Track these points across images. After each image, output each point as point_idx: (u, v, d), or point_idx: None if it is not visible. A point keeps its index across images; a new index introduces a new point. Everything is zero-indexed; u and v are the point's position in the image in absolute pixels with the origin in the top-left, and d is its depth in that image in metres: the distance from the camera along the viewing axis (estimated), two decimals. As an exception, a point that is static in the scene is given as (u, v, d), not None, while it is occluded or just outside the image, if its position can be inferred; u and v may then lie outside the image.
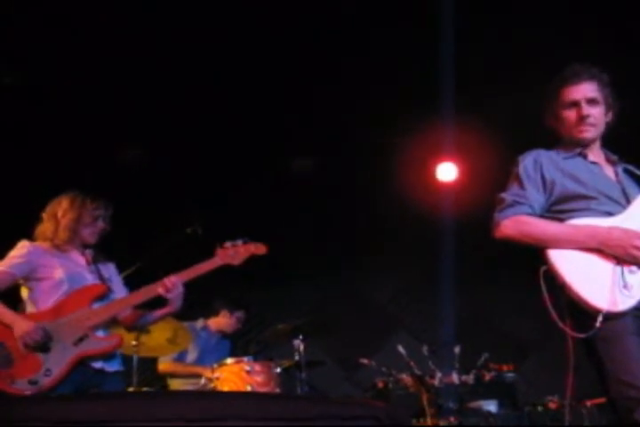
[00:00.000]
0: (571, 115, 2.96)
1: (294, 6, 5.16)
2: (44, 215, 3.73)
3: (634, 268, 2.69)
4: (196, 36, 5.31)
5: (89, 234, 3.70)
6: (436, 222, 6.73)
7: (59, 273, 3.57)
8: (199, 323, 5.87)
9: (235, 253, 3.70)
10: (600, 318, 2.58)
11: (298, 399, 2.19)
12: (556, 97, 2.99)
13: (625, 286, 2.65)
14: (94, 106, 5.78)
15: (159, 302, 3.69)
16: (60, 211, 3.69)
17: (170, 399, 1.83)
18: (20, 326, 3.40)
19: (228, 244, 3.72)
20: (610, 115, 3.03)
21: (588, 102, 2.94)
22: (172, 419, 1.73)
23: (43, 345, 3.38)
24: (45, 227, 3.70)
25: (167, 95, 5.77)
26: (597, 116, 2.97)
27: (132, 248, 4.66)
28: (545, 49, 5.27)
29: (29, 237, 3.71)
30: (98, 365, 3.51)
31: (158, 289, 3.56)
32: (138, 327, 3.96)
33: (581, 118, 2.94)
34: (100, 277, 3.68)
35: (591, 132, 2.98)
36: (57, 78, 5.57)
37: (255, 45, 5.48)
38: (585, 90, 2.95)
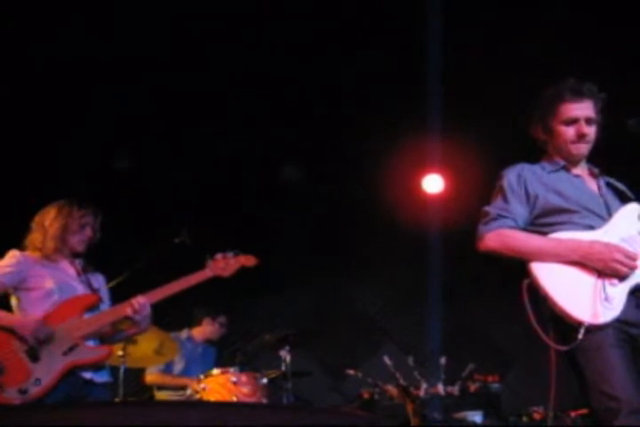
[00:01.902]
0: (568, 131, 3.00)
1: (283, 19, 5.22)
2: (33, 225, 3.72)
3: (615, 281, 2.73)
4: (187, 44, 5.35)
5: (77, 242, 3.69)
6: (423, 234, 6.76)
7: (49, 283, 3.56)
8: (184, 333, 5.88)
9: (225, 264, 3.73)
10: (582, 331, 2.62)
11: (280, 409, 2.20)
12: (553, 111, 3.01)
13: (606, 299, 2.68)
14: (85, 114, 5.79)
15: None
16: (48, 220, 3.68)
17: (156, 409, 1.84)
18: (23, 323, 3.40)
19: (219, 256, 3.73)
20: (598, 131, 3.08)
21: (587, 121, 2.99)
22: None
23: (36, 347, 3.37)
24: (34, 237, 3.69)
25: (158, 104, 5.79)
26: (592, 135, 3.03)
27: (120, 258, 4.66)
28: (532, 62, 5.33)
29: (20, 246, 3.70)
30: (87, 375, 3.50)
31: (126, 310, 3.53)
32: (108, 342, 3.82)
33: (581, 136, 2.99)
34: (91, 288, 3.67)
35: (585, 149, 3.04)
36: (47, 84, 5.58)
37: (246, 55, 5.53)
38: (586, 109, 2.99)
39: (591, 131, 3.01)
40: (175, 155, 6.36)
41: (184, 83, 5.69)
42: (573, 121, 2.99)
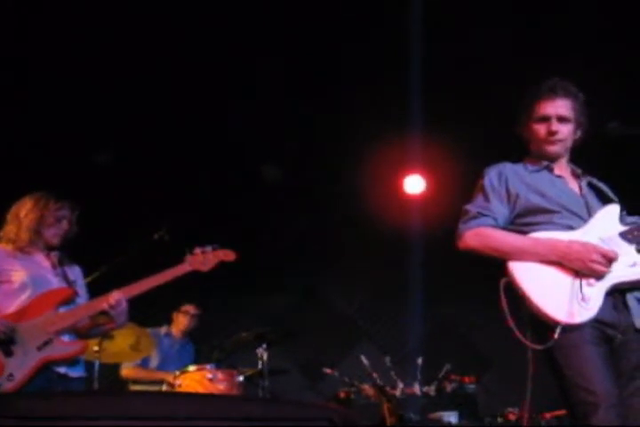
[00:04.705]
0: (540, 129, 3.03)
1: (266, 19, 5.21)
2: (8, 216, 3.68)
3: (592, 281, 2.74)
4: (167, 41, 5.33)
5: (52, 235, 3.64)
6: (404, 235, 6.78)
7: (21, 276, 3.51)
8: (162, 329, 5.88)
9: (204, 259, 3.67)
10: (558, 330, 2.64)
11: (251, 401, 2.19)
12: (529, 109, 3.05)
13: (583, 299, 2.70)
14: (65, 108, 5.75)
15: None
16: (23, 211, 3.63)
17: (130, 399, 1.83)
18: None
19: (197, 250, 3.68)
20: (579, 132, 3.09)
21: (559, 119, 3.01)
22: (127, 417, 1.72)
23: (7, 341, 3.33)
24: (8, 228, 3.64)
25: (139, 99, 5.76)
26: (565, 133, 3.04)
27: (98, 253, 4.62)
28: (511, 63, 5.36)
29: None
30: (62, 370, 3.46)
31: (102, 304, 3.49)
32: (85, 337, 3.77)
33: (549, 134, 3.01)
34: (67, 281, 3.63)
35: (558, 146, 3.05)
36: (26, 79, 5.53)
37: (230, 53, 5.51)
38: (557, 107, 3.01)
39: (563, 129, 3.02)
40: (156, 150, 6.33)
41: (167, 78, 5.66)
42: (545, 119, 3.02)
